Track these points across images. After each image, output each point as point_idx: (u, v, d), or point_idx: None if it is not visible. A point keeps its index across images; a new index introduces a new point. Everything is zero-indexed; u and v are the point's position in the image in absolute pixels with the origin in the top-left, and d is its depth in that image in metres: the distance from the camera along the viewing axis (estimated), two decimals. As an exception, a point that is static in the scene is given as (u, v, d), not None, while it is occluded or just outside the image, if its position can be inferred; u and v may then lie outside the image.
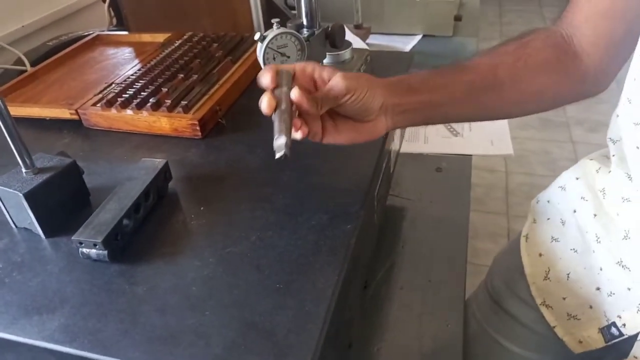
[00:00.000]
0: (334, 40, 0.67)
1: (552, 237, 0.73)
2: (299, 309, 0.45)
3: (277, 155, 0.45)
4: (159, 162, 0.59)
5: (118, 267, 0.51)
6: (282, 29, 0.60)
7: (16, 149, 0.54)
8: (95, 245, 0.50)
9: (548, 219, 0.74)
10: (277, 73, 0.49)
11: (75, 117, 0.75)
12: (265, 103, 0.48)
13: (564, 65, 0.59)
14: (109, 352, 0.43)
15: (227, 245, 0.53)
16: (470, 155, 1.04)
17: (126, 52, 0.98)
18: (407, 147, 1.06)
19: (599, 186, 0.65)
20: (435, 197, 0.93)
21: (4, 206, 0.56)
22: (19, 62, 1.06)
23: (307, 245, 0.52)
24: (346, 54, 0.75)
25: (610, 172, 0.64)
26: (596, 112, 2.81)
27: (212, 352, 0.42)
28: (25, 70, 1.03)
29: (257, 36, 0.60)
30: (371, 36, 1.44)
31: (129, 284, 0.49)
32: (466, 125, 1.14)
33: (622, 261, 0.61)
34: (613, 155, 0.62)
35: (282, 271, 0.49)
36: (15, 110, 0.78)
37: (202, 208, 0.58)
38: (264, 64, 0.62)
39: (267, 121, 0.50)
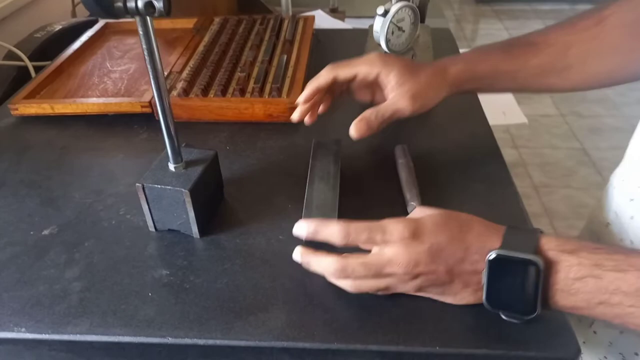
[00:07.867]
0: (423, 14, 0.67)
1: None
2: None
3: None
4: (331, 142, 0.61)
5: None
6: (404, 2, 0.59)
7: (170, 143, 0.48)
8: None
9: None
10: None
11: (147, 110, 0.69)
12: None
13: (638, 44, 0.56)
14: (355, 339, 0.41)
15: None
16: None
17: (148, 40, 0.90)
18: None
19: None
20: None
21: (149, 207, 0.50)
22: (10, 56, 0.93)
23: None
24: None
25: None
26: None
27: (466, 320, 0.42)
28: (24, 65, 0.91)
29: (380, 10, 0.59)
30: (346, 20, 1.45)
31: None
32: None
33: None
34: None
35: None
36: (69, 108, 0.70)
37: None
38: (386, 39, 0.61)
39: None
